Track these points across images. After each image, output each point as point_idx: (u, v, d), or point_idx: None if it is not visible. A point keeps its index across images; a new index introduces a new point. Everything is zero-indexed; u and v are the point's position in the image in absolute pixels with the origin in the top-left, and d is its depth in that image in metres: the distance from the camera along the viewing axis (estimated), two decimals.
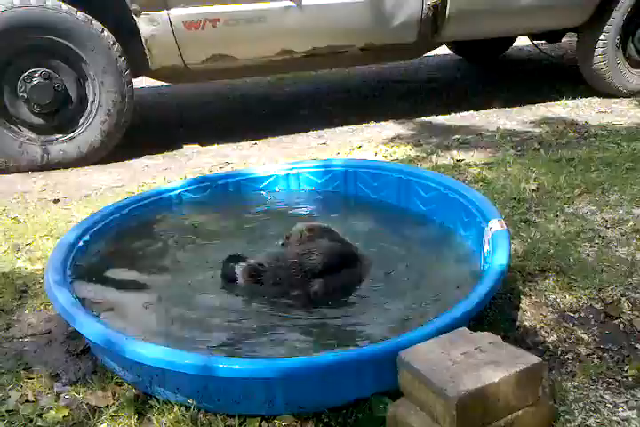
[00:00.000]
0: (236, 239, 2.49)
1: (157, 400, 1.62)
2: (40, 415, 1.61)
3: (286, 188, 2.88)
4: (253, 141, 4.06)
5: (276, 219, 2.66)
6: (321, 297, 2.00)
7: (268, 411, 1.55)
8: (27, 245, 2.59)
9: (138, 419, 1.58)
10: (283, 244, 2.29)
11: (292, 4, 3.67)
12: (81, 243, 2.23)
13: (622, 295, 2.00)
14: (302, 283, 2.01)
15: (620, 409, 1.56)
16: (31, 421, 1.59)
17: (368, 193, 2.76)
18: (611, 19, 4.32)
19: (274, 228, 2.53)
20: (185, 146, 4.03)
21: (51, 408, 1.63)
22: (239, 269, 2.07)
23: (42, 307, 2.13)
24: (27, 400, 1.67)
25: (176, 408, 1.58)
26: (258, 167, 3.08)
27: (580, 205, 2.68)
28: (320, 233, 2.24)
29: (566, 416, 1.54)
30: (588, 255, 2.26)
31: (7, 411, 1.63)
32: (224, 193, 2.80)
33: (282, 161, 3.50)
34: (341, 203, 2.81)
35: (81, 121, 3.64)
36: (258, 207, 2.77)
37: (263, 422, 1.55)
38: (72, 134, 3.62)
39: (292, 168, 2.89)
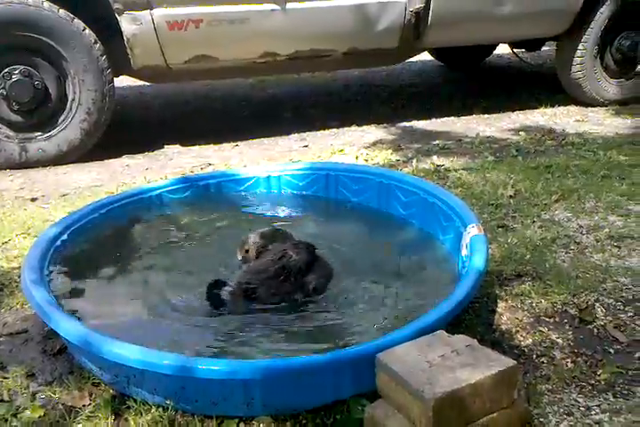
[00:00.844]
0: (216, 241, 2.49)
1: (135, 401, 1.61)
2: (15, 415, 1.59)
3: (267, 190, 2.88)
4: (235, 143, 4.06)
5: (257, 221, 2.66)
6: (320, 291, 2.04)
7: (246, 412, 1.55)
8: (3, 243, 2.56)
9: (115, 420, 1.57)
10: (243, 258, 2.22)
11: (276, 6, 3.68)
12: (59, 242, 2.21)
13: (596, 301, 2.03)
14: (299, 285, 2.02)
15: (593, 412, 1.58)
16: (6, 421, 1.58)
17: (349, 196, 2.77)
18: (589, 29, 4.41)
19: (253, 229, 2.53)
20: (166, 146, 4.02)
21: (26, 408, 1.62)
22: (226, 293, 1.98)
23: (18, 306, 2.11)
24: (1, 400, 1.65)
25: (153, 409, 1.58)
26: (239, 169, 3.08)
27: (557, 212, 2.73)
28: (273, 237, 2.24)
29: (540, 419, 1.56)
30: (564, 261, 2.30)
31: None
32: (205, 194, 2.80)
33: (263, 163, 3.51)
34: (322, 205, 2.82)
35: (60, 119, 3.61)
36: (238, 209, 2.77)
37: (241, 424, 1.54)
38: (51, 133, 3.59)
39: (274, 170, 2.89)
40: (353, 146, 3.87)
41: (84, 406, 1.62)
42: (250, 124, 4.52)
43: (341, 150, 3.75)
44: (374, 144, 3.93)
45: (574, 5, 4.25)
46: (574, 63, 4.51)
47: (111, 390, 1.67)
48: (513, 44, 5.44)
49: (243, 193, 2.86)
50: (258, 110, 4.98)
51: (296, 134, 4.22)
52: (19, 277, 2.19)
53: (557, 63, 4.78)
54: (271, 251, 2.14)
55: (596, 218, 2.65)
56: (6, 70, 3.43)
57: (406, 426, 1.38)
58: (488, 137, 4.02)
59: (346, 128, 4.33)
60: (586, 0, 4.25)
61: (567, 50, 4.55)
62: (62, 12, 3.40)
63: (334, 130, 4.30)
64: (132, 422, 1.55)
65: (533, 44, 5.24)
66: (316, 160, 3.57)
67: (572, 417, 1.57)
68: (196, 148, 3.99)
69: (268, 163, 3.48)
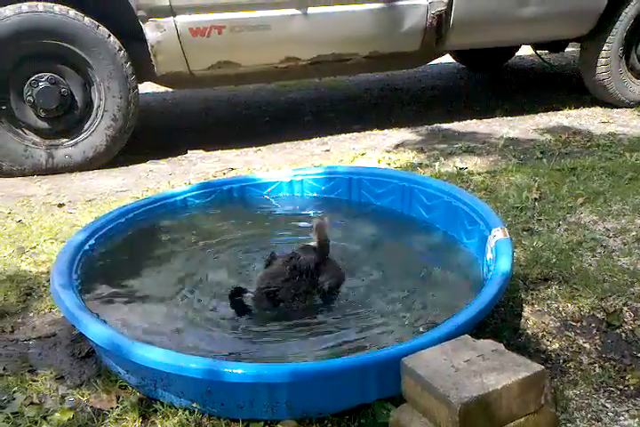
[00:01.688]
0: (241, 245, 2.50)
1: (161, 404, 1.63)
2: (45, 418, 1.62)
3: (290, 194, 2.89)
4: (257, 147, 4.08)
5: (279, 225, 2.68)
6: (335, 290, 2.07)
7: (272, 416, 1.56)
8: (31, 248, 2.60)
9: (142, 422, 1.59)
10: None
11: (298, 11, 3.70)
12: (86, 246, 2.25)
13: (624, 305, 2.01)
14: (314, 285, 2.04)
15: (622, 418, 1.57)
16: (36, 423, 1.60)
17: (371, 200, 2.77)
18: (614, 29, 4.35)
19: (277, 234, 2.55)
20: (189, 151, 4.05)
21: (55, 411, 1.64)
22: (248, 299, 2.01)
23: (46, 310, 2.15)
24: (31, 403, 1.68)
25: (180, 412, 1.59)
26: (262, 173, 3.10)
27: (583, 215, 2.70)
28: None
29: (568, 425, 1.55)
30: (590, 265, 2.27)
31: (12, 413, 1.64)
32: (229, 198, 2.82)
33: (285, 167, 3.52)
34: (345, 209, 2.82)
35: (86, 126, 3.66)
36: (262, 213, 2.79)
37: None
38: (77, 139, 3.64)
39: (296, 174, 2.90)
40: (375, 149, 3.87)
41: (111, 408, 1.64)
42: (271, 129, 4.54)
43: (363, 154, 3.75)
44: (396, 147, 3.93)
45: (598, 6, 4.21)
46: (599, 64, 4.46)
47: (138, 393, 1.69)
48: (536, 46, 5.40)
49: (265, 197, 2.87)
50: (279, 115, 5.00)
51: (317, 138, 4.22)
52: (47, 281, 2.23)
53: (581, 64, 4.72)
54: (280, 257, 2.16)
55: (623, 221, 2.62)
56: (33, 78, 3.48)
57: None
58: (511, 139, 3.99)
59: (367, 132, 4.32)
60: (610, 0, 4.20)
61: (591, 51, 4.50)
62: (87, 19, 3.45)
63: (356, 133, 4.30)
64: (159, 425, 1.57)
65: (557, 46, 5.20)
66: (337, 164, 3.58)
67: (600, 423, 1.55)
68: (219, 152, 4.02)
69: (290, 167, 3.49)
